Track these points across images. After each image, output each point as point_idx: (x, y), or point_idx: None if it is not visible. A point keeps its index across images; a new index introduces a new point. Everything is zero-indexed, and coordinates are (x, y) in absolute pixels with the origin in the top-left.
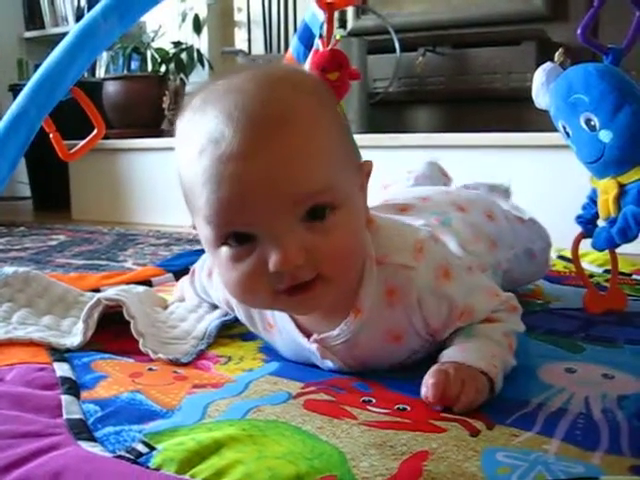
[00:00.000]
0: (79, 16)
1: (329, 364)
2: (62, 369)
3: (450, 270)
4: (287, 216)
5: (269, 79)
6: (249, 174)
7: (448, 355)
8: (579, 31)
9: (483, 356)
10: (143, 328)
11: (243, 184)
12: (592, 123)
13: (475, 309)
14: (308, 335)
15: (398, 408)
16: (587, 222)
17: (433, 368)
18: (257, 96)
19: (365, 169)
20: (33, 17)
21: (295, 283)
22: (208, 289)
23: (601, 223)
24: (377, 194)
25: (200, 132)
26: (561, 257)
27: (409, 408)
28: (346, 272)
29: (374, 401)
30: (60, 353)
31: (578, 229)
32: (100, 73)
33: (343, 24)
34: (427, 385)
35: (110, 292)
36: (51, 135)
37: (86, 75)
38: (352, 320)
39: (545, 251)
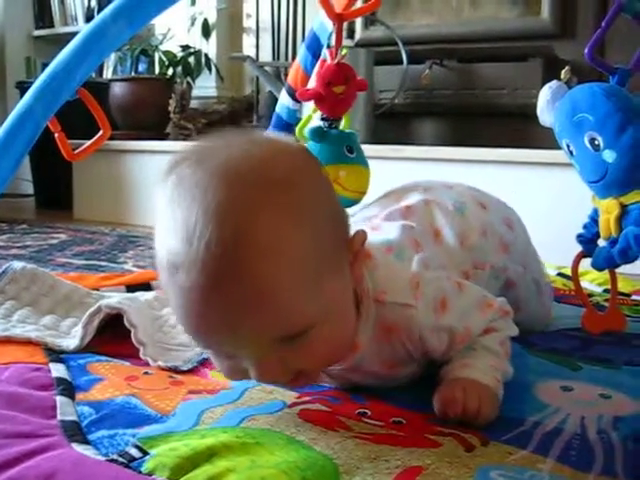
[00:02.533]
0: (89, 16)
1: (324, 385)
2: (58, 370)
3: (446, 300)
4: (258, 345)
5: (234, 180)
6: (207, 317)
7: (454, 372)
8: (586, 50)
9: (486, 371)
10: (144, 337)
11: (204, 324)
12: (596, 143)
13: (472, 331)
14: None
15: (393, 421)
16: (588, 241)
17: (445, 386)
18: (217, 213)
19: (356, 244)
20: (43, 15)
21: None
22: None
23: (602, 243)
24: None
25: (163, 244)
26: (561, 274)
27: (404, 421)
28: (329, 365)
29: (369, 413)
30: (56, 354)
31: (579, 248)
32: (107, 74)
33: (351, 34)
34: (442, 401)
35: (114, 299)
36: (56, 135)
37: (93, 75)
38: (351, 355)
39: (549, 289)
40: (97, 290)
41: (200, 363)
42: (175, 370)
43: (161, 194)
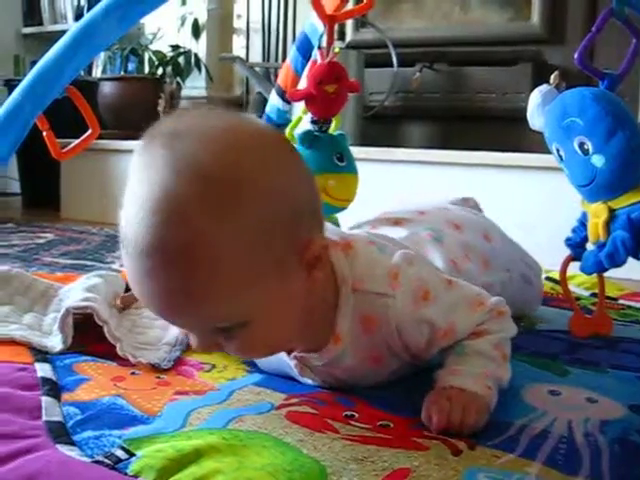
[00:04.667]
0: (78, 14)
1: (308, 381)
2: (43, 370)
3: (429, 291)
4: (190, 327)
5: (184, 169)
6: (144, 296)
7: (444, 379)
8: (576, 55)
9: (477, 379)
10: (118, 332)
11: (145, 298)
12: (585, 147)
13: (457, 328)
14: (289, 350)
15: (381, 424)
16: (576, 245)
17: (433, 394)
18: (157, 207)
19: (314, 248)
20: (32, 13)
21: None
22: None
23: (590, 247)
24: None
25: (122, 213)
26: (549, 279)
27: (392, 425)
28: (264, 356)
29: (357, 416)
30: (42, 353)
31: (567, 251)
32: (97, 73)
33: (342, 36)
34: (429, 412)
35: (78, 296)
36: (44, 133)
37: (82, 74)
38: (332, 347)
39: (539, 277)
40: None
41: (175, 361)
42: (157, 368)
43: (133, 161)
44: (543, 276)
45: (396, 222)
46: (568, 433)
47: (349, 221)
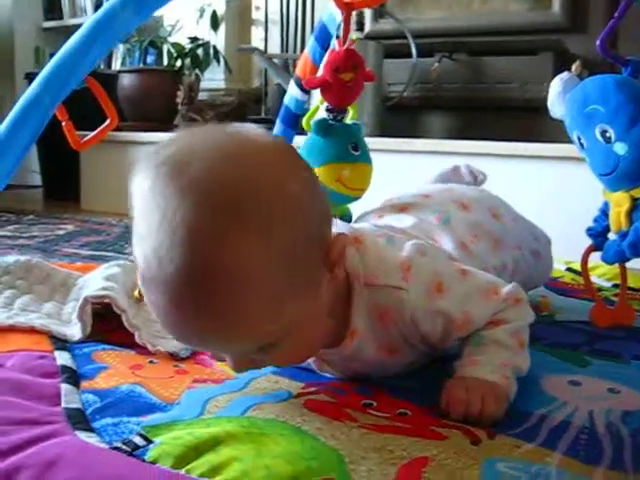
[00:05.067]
0: (97, 7)
1: (327, 375)
2: (63, 358)
3: (442, 282)
4: (230, 350)
5: (203, 202)
6: (175, 328)
7: (462, 369)
8: (598, 42)
9: (494, 368)
10: (136, 320)
11: (174, 332)
12: (607, 135)
13: (473, 318)
14: None
15: (399, 413)
16: (598, 235)
17: (451, 384)
18: (183, 239)
19: (336, 250)
20: (52, 7)
21: None
22: None
23: (612, 236)
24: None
25: (137, 247)
26: (570, 269)
27: (410, 413)
28: (302, 362)
29: (375, 404)
30: (62, 342)
31: (588, 241)
32: (116, 65)
33: (360, 27)
34: (446, 401)
35: (96, 285)
36: (63, 123)
37: (102, 67)
38: (349, 342)
39: (548, 249)
40: None
41: (192, 350)
42: (176, 357)
43: (138, 190)
44: (563, 267)
45: (402, 209)
46: (589, 423)
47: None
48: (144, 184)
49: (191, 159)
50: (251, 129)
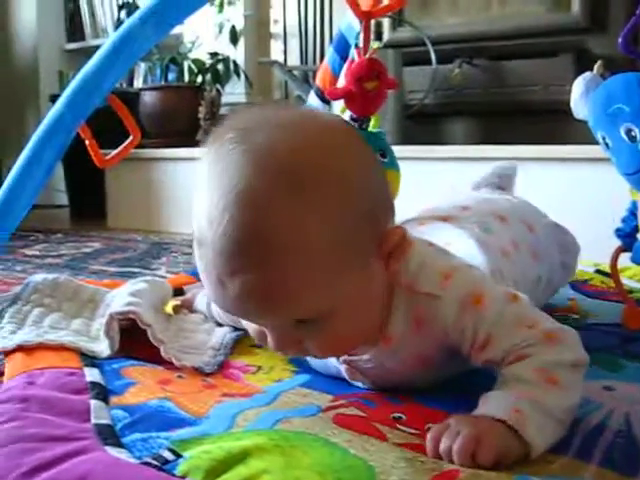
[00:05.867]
0: (118, 27)
1: (358, 384)
2: (92, 374)
3: (483, 297)
4: (272, 324)
5: (264, 169)
6: (224, 295)
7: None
8: (620, 39)
9: (501, 403)
10: (162, 335)
11: (221, 300)
12: (633, 134)
13: (493, 343)
14: None
15: (429, 427)
16: (627, 235)
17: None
18: (238, 201)
19: (392, 239)
20: (74, 29)
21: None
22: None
23: None
24: None
25: (195, 215)
26: (599, 271)
27: None
28: (342, 353)
29: (404, 418)
30: (90, 358)
31: (617, 242)
32: (138, 83)
33: (379, 36)
34: (432, 444)
35: (122, 301)
36: (87, 142)
37: (124, 85)
38: (382, 348)
39: (575, 259)
40: None
41: (219, 365)
42: (201, 372)
43: (202, 162)
44: (592, 269)
45: (444, 218)
46: (626, 426)
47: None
48: (209, 151)
49: (258, 128)
50: (322, 112)
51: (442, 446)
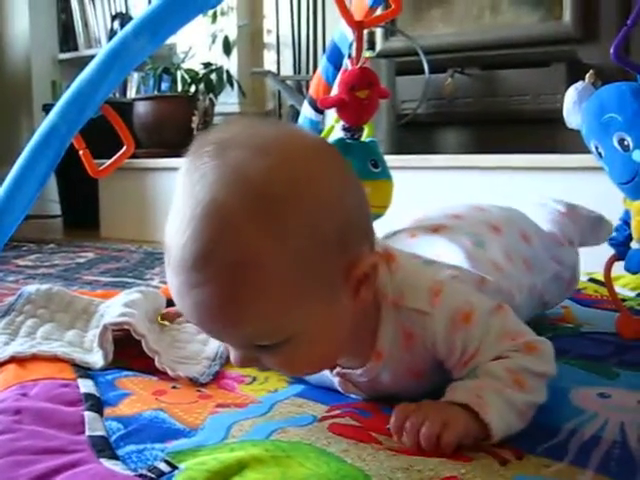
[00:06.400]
0: (111, 37)
1: (352, 396)
2: (86, 385)
3: (471, 313)
4: (230, 342)
5: (233, 189)
6: (187, 308)
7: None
8: (612, 49)
9: (466, 389)
10: (156, 345)
11: (186, 311)
12: (625, 143)
13: (481, 354)
14: (332, 367)
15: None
16: (620, 244)
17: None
18: (204, 216)
19: (363, 266)
20: (67, 39)
21: None
22: None
23: (635, 245)
24: None
25: (168, 221)
26: (592, 280)
27: None
28: (304, 374)
29: None
30: (84, 369)
31: (611, 251)
32: (131, 94)
33: (372, 46)
34: (396, 425)
35: (116, 312)
36: (81, 152)
37: (117, 95)
38: (374, 364)
39: (572, 270)
40: None
41: (214, 375)
42: (195, 382)
43: (179, 172)
44: (585, 278)
45: (435, 229)
46: (621, 437)
47: (385, 230)
48: (186, 161)
49: (235, 144)
50: (307, 133)
51: (408, 424)
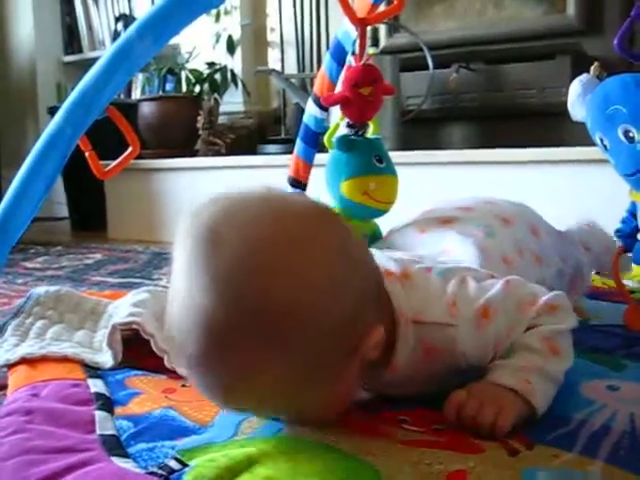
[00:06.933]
0: (115, 39)
1: (362, 396)
2: (96, 385)
3: (488, 306)
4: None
5: (230, 298)
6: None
7: (486, 375)
8: (616, 41)
9: (513, 372)
10: (165, 344)
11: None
12: (630, 135)
13: (515, 331)
14: None
15: (435, 428)
16: (627, 236)
17: (466, 389)
18: (211, 308)
19: (370, 342)
20: (71, 41)
21: None
22: None
23: None
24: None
25: (169, 317)
26: (600, 272)
27: (445, 427)
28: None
29: (410, 420)
30: (94, 369)
31: (618, 243)
32: (136, 94)
33: (376, 42)
34: (452, 406)
35: (124, 312)
36: (87, 154)
37: (122, 96)
38: (388, 375)
39: (574, 270)
40: None
41: None
42: None
43: (175, 251)
44: (593, 271)
45: (445, 221)
46: (631, 427)
47: (391, 226)
48: (179, 246)
49: (224, 239)
50: (304, 201)
51: (466, 412)
